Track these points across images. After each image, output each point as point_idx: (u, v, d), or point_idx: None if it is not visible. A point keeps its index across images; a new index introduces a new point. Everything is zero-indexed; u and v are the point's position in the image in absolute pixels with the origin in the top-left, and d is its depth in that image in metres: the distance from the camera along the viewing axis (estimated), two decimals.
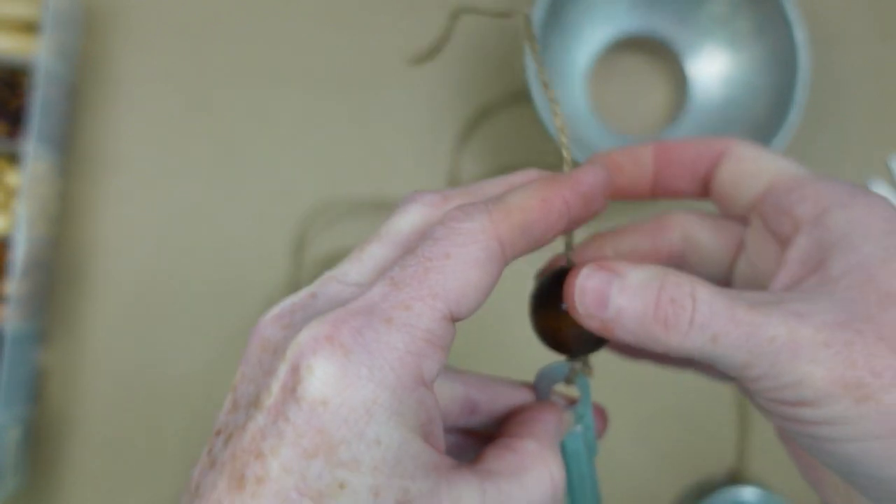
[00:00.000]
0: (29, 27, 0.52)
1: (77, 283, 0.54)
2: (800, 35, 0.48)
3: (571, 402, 0.26)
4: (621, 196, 0.25)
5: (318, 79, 0.56)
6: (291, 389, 0.17)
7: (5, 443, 0.49)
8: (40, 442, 0.53)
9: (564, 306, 0.22)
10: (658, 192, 0.25)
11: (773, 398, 0.20)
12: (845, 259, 0.20)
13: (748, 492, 0.51)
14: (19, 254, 0.48)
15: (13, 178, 0.50)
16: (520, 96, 0.56)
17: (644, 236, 0.25)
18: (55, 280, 0.54)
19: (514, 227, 0.20)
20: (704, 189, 0.25)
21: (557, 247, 0.24)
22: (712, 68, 0.54)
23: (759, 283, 0.24)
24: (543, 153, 0.54)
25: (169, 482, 0.53)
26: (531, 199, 0.20)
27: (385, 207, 0.55)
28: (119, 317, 0.54)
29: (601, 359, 0.57)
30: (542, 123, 0.48)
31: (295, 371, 0.17)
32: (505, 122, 0.57)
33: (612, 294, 0.20)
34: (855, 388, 0.18)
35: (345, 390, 0.17)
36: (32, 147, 0.49)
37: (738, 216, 0.24)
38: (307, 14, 0.57)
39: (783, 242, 0.22)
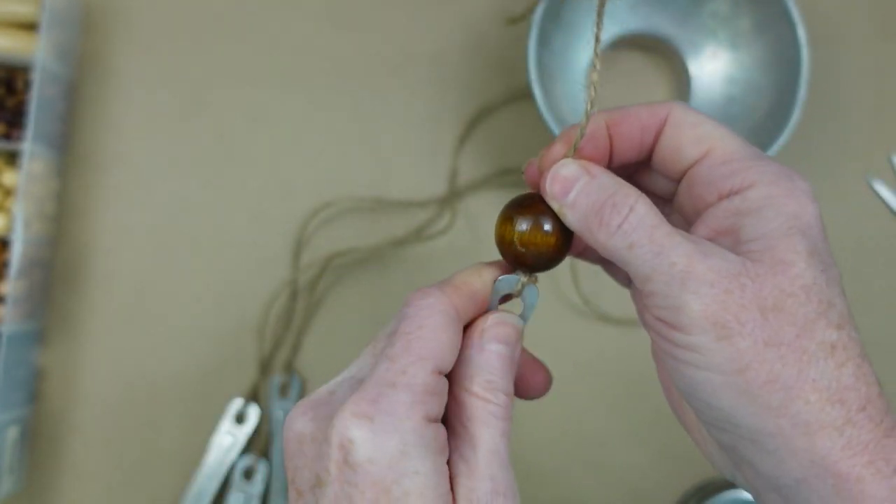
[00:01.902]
0: (27, 26, 0.52)
1: (75, 282, 0.54)
2: (802, 33, 0.48)
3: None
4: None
5: (317, 78, 0.56)
6: (344, 462, 0.22)
7: (3, 443, 0.49)
8: (38, 442, 0.53)
9: (526, 226, 0.26)
10: (613, 165, 0.27)
11: (656, 316, 0.23)
12: (756, 228, 0.23)
13: (748, 495, 0.51)
14: (16, 253, 0.48)
15: (10, 177, 0.50)
16: (520, 96, 0.56)
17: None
18: (53, 280, 0.54)
19: (463, 296, 0.25)
20: (650, 156, 0.27)
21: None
22: (714, 67, 0.54)
23: None
24: None
25: (166, 482, 0.53)
26: (471, 276, 0.26)
27: (385, 207, 0.55)
28: (117, 317, 0.54)
29: (606, 361, 0.58)
30: (543, 123, 0.48)
31: (342, 448, 0.22)
32: (505, 121, 0.57)
33: (575, 186, 0.25)
34: (720, 327, 0.22)
35: (381, 446, 0.22)
36: (30, 146, 0.49)
37: (672, 179, 0.27)
38: (307, 13, 0.57)
39: (703, 207, 0.25)
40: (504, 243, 0.27)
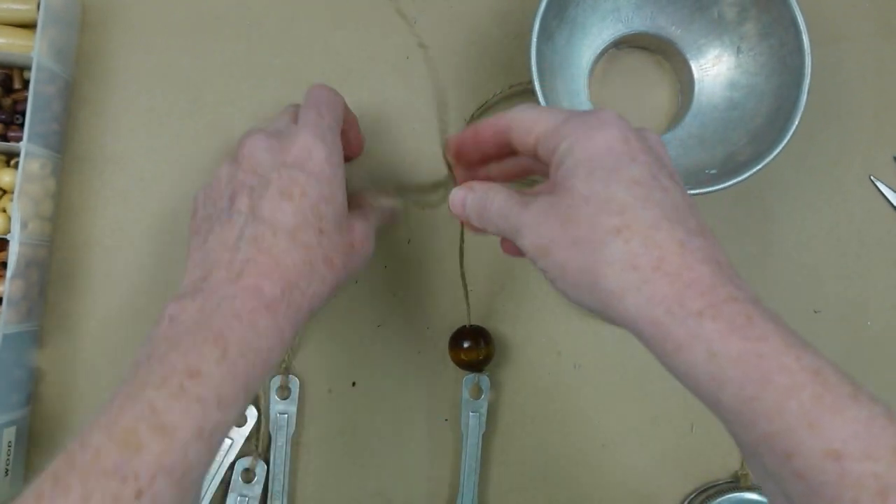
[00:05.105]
0: (25, 24, 0.52)
1: (73, 283, 0.54)
2: (806, 40, 0.48)
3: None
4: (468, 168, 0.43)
5: (317, 77, 0.56)
6: (288, 163, 0.38)
7: (0, 445, 0.48)
8: (35, 444, 0.52)
9: (465, 345, 0.47)
10: (485, 162, 0.42)
11: (529, 258, 0.34)
12: (558, 175, 0.33)
13: (752, 496, 0.51)
14: (13, 253, 0.48)
15: (7, 176, 0.50)
16: (521, 92, 0.55)
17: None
18: (50, 280, 0.54)
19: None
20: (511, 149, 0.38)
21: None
22: (717, 70, 0.54)
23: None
24: None
25: None
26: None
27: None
28: (115, 317, 0.54)
29: (606, 364, 0.57)
30: None
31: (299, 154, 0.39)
32: None
33: (466, 203, 0.38)
34: (541, 249, 0.32)
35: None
36: (27, 145, 0.48)
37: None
38: (307, 12, 0.56)
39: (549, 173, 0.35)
40: (455, 357, 0.45)
